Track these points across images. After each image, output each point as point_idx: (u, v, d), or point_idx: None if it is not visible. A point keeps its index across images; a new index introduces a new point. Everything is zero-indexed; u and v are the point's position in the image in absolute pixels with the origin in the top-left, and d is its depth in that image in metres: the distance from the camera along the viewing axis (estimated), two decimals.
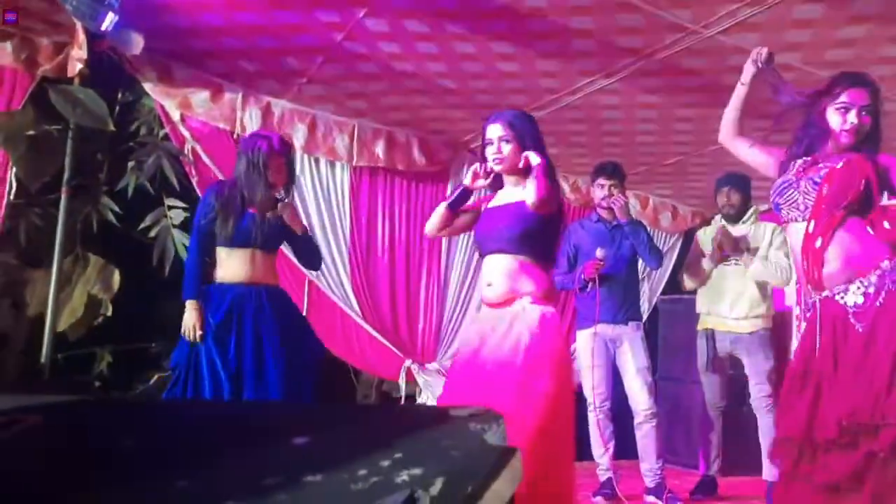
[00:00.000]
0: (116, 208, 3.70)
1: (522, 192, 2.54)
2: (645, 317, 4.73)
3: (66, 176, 3.27)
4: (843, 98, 2.28)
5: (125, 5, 2.96)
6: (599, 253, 3.78)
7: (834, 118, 2.30)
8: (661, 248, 5.30)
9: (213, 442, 0.82)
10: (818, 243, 2.22)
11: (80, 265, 3.49)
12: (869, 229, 2.22)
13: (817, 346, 2.25)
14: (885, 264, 2.17)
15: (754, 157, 2.57)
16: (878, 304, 2.16)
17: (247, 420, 0.92)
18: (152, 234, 3.78)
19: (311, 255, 3.28)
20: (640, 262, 4.13)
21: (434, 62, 3.53)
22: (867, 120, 2.28)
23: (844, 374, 2.18)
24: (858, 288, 2.19)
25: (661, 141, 4.45)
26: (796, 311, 4.24)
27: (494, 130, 2.58)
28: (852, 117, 2.26)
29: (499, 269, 2.51)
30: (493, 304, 2.54)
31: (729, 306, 3.88)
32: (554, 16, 3.03)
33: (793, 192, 2.32)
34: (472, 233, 2.75)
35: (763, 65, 2.47)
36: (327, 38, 3.33)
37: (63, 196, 3.25)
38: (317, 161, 4.27)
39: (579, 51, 3.33)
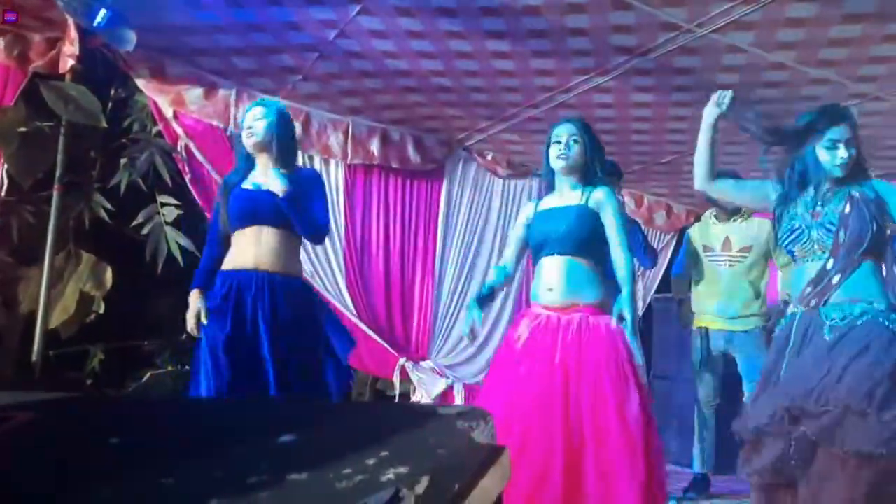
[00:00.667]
0: (109, 205, 3.68)
1: (580, 195, 2.69)
2: (639, 315, 4.73)
3: (58, 173, 3.25)
4: (829, 136, 2.32)
5: (118, 1, 2.95)
6: None
7: (823, 155, 2.34)
8: (655, 246, 5.32)
9: (201, 439, 0.81)
10: (836, 280, 2.27)
11: (73, 262, 3.47)
12: (883, 269, 2.29)
13: (787, 351, 2.32)
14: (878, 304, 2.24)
15: (736, 196, 2.69)
16: (859, 322, 2.21)
17: (234, 418, 0.91)
18: (145, 231, 3.76)
19: (301, 221, 2.73)
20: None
21: (429, 60, 3.52)
22: (854, 152, 2.33)
23: (798, 371, 2.25)
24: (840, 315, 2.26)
25: (655, 139, 4.45)
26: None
27: (565, 129, 2.73)
28: (842, 152, 2.31)
29: (560, 273, 2.62)
30: (551, 309, 2.63)
31: (723, 305, 3.88)
32: (549, 14, 3.02)
33: (807, 241, 2.35)
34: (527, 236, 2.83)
35: (727, 109, 2.44)
36: (321, 36, 3.32)
37: (55, 193, 3.24)
38: (311, 158, 4.26)
39: (574, 49, 3.33)
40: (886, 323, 2.19)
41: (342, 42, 3.37)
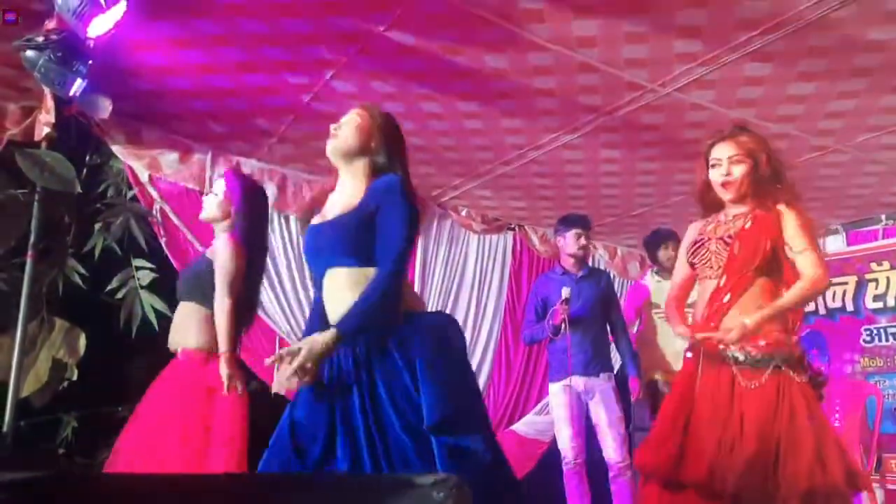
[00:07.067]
0: (83, 270, 3.67)
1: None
2: (616, 367, 4.74)
3: (32, 239, 3.24)
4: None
5: (93, 71, 2.98)
6: (565, 292, 3.85)
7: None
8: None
9: None
10: (726, 298, 2.33)
11: (46, 329, 3.43)
12: (784, 292, 2.33)
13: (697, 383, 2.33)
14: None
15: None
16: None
17: (205, 493, 0.91)
18: (119, 295, 3.74)
19: None
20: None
21: (401, 120, 3.57)
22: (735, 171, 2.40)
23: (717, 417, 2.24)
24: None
25: (625, 193, 4.54)
26: None
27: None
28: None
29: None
30: None
31: (673, 357, 3.96)
32: (516, 76, 3.11)
33: (706, 252, 2.43)
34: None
35: None
36: (296, 99, 3.38)
37: (29, 259, 3.22)
38: (287, 219, 4.28)
39: (542, 109, 3.42)
40: None
41: (317, 105, 3.43)
